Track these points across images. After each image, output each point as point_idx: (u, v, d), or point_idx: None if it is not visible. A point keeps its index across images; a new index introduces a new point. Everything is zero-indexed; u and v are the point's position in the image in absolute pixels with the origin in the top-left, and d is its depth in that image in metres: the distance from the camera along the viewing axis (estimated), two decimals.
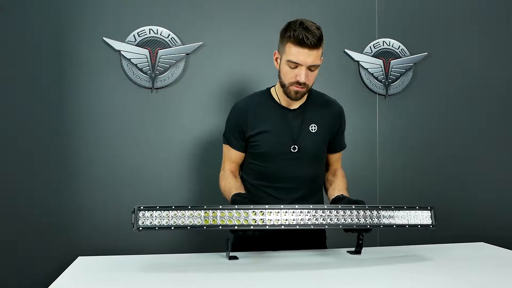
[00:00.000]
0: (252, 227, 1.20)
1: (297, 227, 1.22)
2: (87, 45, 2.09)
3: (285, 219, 1.22)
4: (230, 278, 1.14)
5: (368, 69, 2.37)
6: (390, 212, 1.28)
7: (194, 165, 2.20)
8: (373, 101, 2.40)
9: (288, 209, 1.23)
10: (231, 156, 1.54)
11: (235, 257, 1.33)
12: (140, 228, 1.13)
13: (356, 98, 2.38)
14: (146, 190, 2.14)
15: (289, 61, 1.33)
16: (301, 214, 1.23)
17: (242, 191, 1.42)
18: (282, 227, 1.22)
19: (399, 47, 2.40)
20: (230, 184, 1.45)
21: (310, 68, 1.35)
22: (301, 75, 1.33)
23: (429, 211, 1.32)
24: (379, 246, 2.27)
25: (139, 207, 1.14)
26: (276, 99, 1.49)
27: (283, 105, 1.48)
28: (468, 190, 2.48)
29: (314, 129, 1.47)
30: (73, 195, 2.09)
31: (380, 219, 1.26)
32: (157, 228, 1.14)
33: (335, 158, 1.60)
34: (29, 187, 2.04)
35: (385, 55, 2.39)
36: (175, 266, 1.26)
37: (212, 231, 1.21)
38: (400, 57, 2.41)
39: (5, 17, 2.02)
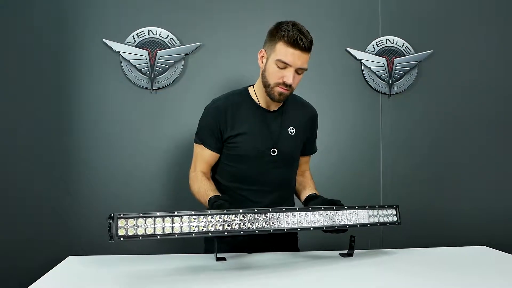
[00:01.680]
0: (242, 233, 1.16)
1: (285, 230, 1.20)
2: (87, 47, 2.12)
3: (272, 222, 1.20)
4: (218, 279, 1.13)
5: (371, 68, 2.32)
6: (363, 211, 1.34)
7: None
8: (376, 100, 2.35)
9: (276, 212, 1.21)
10: (205, 157, 1.47)
11: (223, 258, 1.32)
12: (121, 239, 1.01)
13: (359, 97, 2.33)
14: (144, 190, 2.15)
15: (278, 60, 1.30)
16: (287, 217, 1.22)
17: (218, 193, 1.36)
18: (271, 231, 1.20)
19: (403, 45, 2.35)
20: (205, 186, 1.39)
21: (297, 71, 1.32)
22: (289, 76, 1.31)
23: (394, 209, 1.42)
24: (382, 248, 2.23)
25: (119, 214, 1.02)
26: (255, 99, 1.45)
27: (262, 106, 1.45)
28: (470, 192, 2.40)
29: (293, 132, 1.46)
30: (73, 194, 2.11)
31: (357, 219, 1.32)
32: (140, 238, 1.04)
33: (305, 160, 1.61)
34: (28, 187, 2.08)
35: (389, 53, 2.34)
36: (162, 266, 1.26)
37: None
38: (404, 55, 2.35)
39: (5, 18, 2.06)
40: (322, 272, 1.21)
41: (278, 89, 1.34)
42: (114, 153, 2.13)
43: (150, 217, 1.07)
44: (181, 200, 2.17)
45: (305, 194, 1.48)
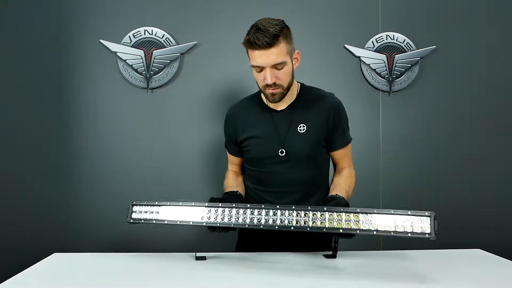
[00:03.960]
0: (218, 224, 1.21)
1: (261, 227, 1.18)
2: (84, 47, 2.15)
3: (249, 218, 1.19)
4: (191, 278, 1.12)
5: (370, 65, 2.27)
6: (373, 216, 1.10)
7: (189, 164, 2.20)
8: (376, 98, 2.29)
9: (254, 208, 1.20)
10: (231, 160, 1.59)
11: (203, 258, 1.31)
12: (131, 221, 1.33)
13: (358, 95, 2.28)
14: (142, 189, 2.17)
15: (252, 66, 1.31)
16: (267, 214, 1.19)
17: (238, 189, 1.47)
18: (247, 226, 1.19)
19: (404, 41, 2.28)
20: (227, 183, 1.52)
21: (276, 67, 1.28)
22: (267, 77, 1.29)
23: (427, 217, 1.03)
24: (382, 250, 2.18)
25: (133, 202, 1.35)
26: (265, 101, 1.45)
27: (271, 107, 1.44)
28: (468, 193, 2.29)
29: (303, 129, 1.40)
30: (71, 194, 2.15)
31: (365, 224, 1.10)
32: (143, 221, 1.31)
33: (339, 156, 1.47)
34: (28, 186, 2.13)
35: (389, 49, 2.28)
36: (142, 264, 1.26)
37: (201, 229, 1.25)
38: (405, 51, 2.28)
39: (4, 20, 2.11)
40: (297, 272, 1.18)
41: (268, 91, 1.34)
42: (110, 152, 2.16)
43: (153, 206, 1.32)
44: (179, 198, 2.17)
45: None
